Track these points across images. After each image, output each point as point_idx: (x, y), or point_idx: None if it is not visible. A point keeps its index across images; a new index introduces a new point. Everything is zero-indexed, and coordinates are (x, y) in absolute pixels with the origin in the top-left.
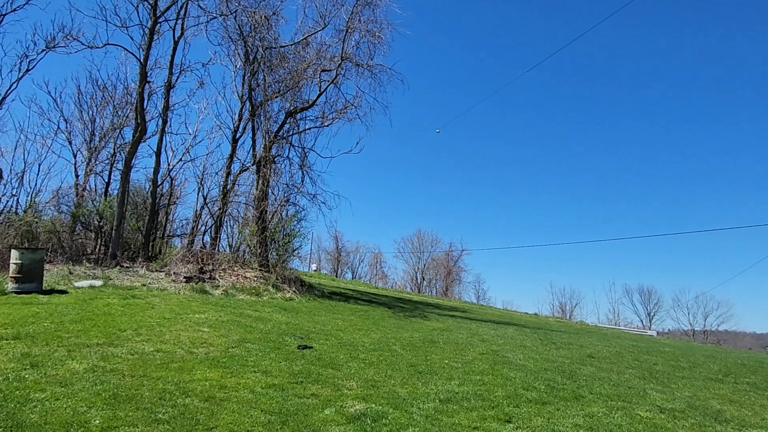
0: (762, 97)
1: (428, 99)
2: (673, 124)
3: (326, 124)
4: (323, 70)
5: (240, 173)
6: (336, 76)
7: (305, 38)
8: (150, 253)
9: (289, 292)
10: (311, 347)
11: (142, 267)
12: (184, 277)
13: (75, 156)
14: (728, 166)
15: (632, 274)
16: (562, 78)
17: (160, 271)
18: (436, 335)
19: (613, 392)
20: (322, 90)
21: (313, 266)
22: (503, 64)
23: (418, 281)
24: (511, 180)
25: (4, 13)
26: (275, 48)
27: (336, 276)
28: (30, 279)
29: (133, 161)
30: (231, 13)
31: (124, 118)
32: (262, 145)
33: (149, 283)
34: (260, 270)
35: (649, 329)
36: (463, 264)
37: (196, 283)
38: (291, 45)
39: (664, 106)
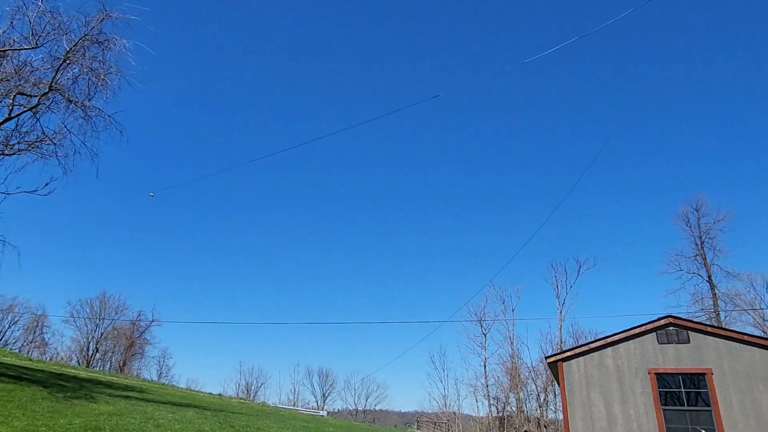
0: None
1: (154, 159)
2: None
3: (8, 153)
4: (20, 93)
5: None
6: (37, 104)
7: (3, 50)
8: None
9: None
10: None
11: None
12: None
13: None
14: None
15: (316, 356)
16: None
17: None
18: (103, 421)
19: None
20: (12, 115)
21: None
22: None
23: (90, 353)
24: (211, 254)
25: None
26: None
27: None
28: None
29: None
30: None
31: None
32: None
33: None
34: None
35: (322, 410)
36: (150, 336)
37: None
38: None
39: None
